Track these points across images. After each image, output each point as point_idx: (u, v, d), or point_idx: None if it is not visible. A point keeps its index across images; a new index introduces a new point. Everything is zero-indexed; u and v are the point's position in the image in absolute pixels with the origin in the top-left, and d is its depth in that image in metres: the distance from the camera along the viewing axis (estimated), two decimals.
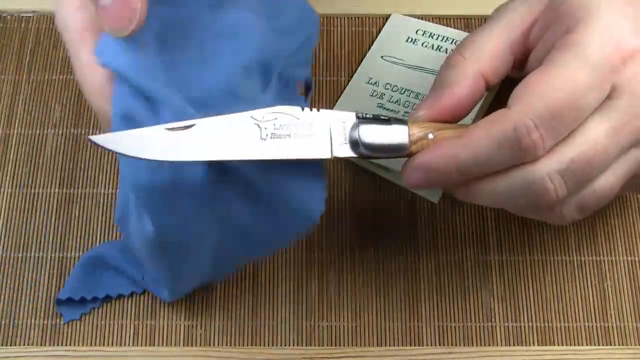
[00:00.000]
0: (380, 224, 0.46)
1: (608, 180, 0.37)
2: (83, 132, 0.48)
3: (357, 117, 0.37)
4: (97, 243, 0.45)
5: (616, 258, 0.45)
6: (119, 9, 0.33)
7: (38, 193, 0.46)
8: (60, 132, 0.48)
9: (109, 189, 0.46)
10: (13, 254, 0.45)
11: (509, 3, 0.40)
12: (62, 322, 0.43)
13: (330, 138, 0.36)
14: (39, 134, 0.48)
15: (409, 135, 0.37)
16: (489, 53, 0.39)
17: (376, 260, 0.45)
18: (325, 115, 0.37)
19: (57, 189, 0.47)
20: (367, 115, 0.37)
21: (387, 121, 0.37)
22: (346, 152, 0.37)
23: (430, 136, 0.37)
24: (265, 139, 0.35)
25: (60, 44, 0.51)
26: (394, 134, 0.37)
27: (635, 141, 0.36)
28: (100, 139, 0.33)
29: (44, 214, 0.46)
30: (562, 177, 0.35)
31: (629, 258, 0.45)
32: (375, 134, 0.37)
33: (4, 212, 0.46)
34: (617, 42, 0.35)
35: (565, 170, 0.35)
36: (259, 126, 0.35)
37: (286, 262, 0.45)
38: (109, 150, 0.33)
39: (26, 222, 0.46)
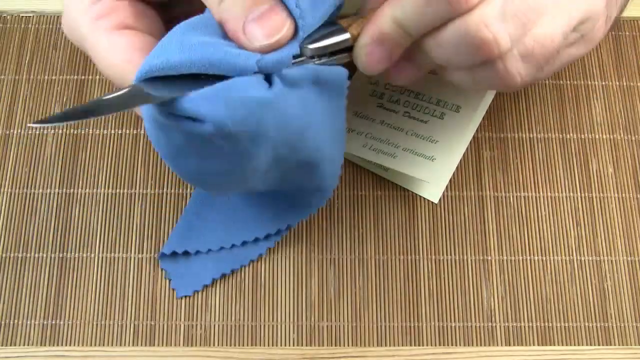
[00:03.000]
0: (380, 224, 0.46)
1: (547, 25, 0.36)
2: (83, 132, 0.48)
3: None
4: (97, 243, 0.45)
5: (616, 258, 0.45)
6: (269, 24, 0.34)
7: (38, 193, 0.46)
8: (60, 132, 0.48)
9: (109, 189, 0.46)
10: (13, 254, 0.45)
11: None
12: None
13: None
14: (39, 134, 0.48)
15: (342, 25, 0.37)
16: None
17: (376, 260, 0.45)
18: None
19: (57, 189, 0.47)
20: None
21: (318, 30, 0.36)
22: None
23: (358, 14, 0.37)
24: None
25: (60, 43, 0.51)
26: (331, 35, 0.36)
27: None
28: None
29: (44, 214, 0.46)
30: (500, 22, 0.34)
31: (629, 258, 0.45)
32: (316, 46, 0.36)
33: (4, 212, 0.46)
34: None
35: (501, 14, 0.34)
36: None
37: (286, 262, 0.45)
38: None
39: (26, 222, 0.46)
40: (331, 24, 0.37)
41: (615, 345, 0.43)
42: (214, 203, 0.45)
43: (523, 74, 0.37)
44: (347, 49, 0.37)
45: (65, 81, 0.50)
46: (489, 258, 0.45)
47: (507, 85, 0.38)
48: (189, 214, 0.45)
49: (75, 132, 0.48)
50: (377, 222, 0.46)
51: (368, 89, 0.49)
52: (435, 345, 0.43)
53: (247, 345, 0.43)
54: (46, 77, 0.50)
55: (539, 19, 0.36)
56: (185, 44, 0.33)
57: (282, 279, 0.45)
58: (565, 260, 0.45)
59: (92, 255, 0.45)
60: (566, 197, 0.47)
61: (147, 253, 0.45)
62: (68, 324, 0.43)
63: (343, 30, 0.37)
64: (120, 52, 0.36)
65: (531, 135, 0.49)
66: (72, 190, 0.47)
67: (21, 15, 0.52)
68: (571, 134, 0.49)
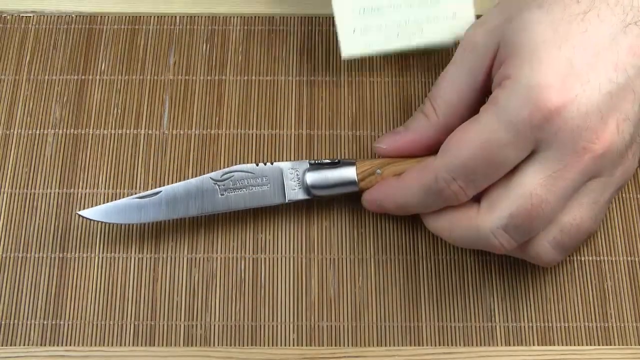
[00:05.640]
0: (380, 224, 0.46)
1: (577, 214, 0.39)
2: (83, 132, 0.48)
3: (310, 164, 0.43)
4: (97, 243, 0.45)
5: (616, 258, 0.45)
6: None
7: (38, 193, 0.46)
8: (60, 132, 0.48)
9: (109, 189, 0.46)
10: (13, 254, 0.45)
11: (473, 34, 0.41)
12: (62, 322, 0.43)
13: (283, 186, 0.43)
14: (39, 134, 0.48)
15: (357, 174, 0.42)
16: (456, 106, 0.41)
17: (376, 260, 0.45)
18: (278, 166, 0.43)
19: (57, 189, 0.47)
20: (318, 161, 0.43)
21: (337, 164, 0.43)
22: (300, 195, 0.43)
23: (379, 172, 0.42)
24: (223, 195, 0.42)
25: (60, 43, 0.51)
26: (343, 175, 0.42)
27: (588, 177, 0.38)
28: (88, 213, 0.42)
29: (44, 214, 0.46)
30: (505, 232, 0.38)
31: (629, 258, 0.45)
32: (324, 178, 0.42)
33: (4, 212, 0.46)
34: (538, 103, 0.36)
35: (506, 225, 0.38)
36: (217, 185, 0.42)
37: (286, 262, 0.45)
38: (99, 221, 0.42)
39: (26, 222, 0.46)
40: (347, 164, 0.43)
41: (615, 345, 0.43)
42: None
43: (556, 257, 0.40)
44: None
45: (65, 81, 0.50)
46: (489, 258, 0.45)
47: (542, 264, 0.41)
48: None
49: (75, 132, 0.48)
50: (377, 222, 0.46)
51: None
52: (435, 345, 0.43)
53: (247, 345, 0.43)
54: (46, 77, 0.50)
55: (561, 213, 0.39)
56: None
57: (282, 279, 0.45)
58: (565, 260, 0.45)
59: (92, 255, 0.45)
60: None
61: (147, 253, 0.45)
62: (68, 324, 0.43)
63: (353, 178, 0.43)
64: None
65: None
66: (72, 190, 0.47)
67: (21, 15, 0.52)
68: None
